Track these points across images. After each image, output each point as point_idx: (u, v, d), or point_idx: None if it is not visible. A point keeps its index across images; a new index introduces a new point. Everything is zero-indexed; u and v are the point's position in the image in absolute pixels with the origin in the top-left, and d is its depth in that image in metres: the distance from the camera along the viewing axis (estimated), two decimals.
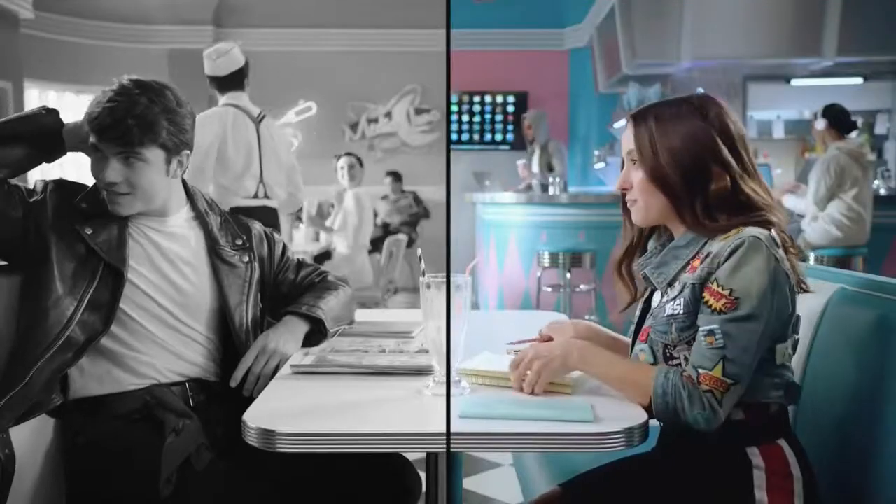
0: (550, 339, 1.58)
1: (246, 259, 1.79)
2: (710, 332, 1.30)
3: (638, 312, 1.56)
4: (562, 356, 1.37)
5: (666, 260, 1.45)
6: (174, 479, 1.44)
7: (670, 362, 1.39)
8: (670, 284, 1.43)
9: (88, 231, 1.62)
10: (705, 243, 1.40)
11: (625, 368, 1.38)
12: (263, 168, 3.70)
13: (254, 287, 1.79)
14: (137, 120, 1.59)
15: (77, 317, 1.56)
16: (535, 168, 6.61)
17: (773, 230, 1.37)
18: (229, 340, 1.73)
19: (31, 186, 1.69)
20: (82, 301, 1.58)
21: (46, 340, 1.54)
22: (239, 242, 1.80)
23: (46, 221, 1.62)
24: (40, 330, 1.54)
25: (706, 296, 1.33)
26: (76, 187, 1.71)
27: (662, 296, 1.45)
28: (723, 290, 1.31)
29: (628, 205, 1.50)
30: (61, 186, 1.70)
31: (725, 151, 1.40)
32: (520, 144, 8.94)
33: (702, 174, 1.40)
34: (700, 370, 1.29)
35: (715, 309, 1.31)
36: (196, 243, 1.75)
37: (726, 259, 1.33)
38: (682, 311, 1.37)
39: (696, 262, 1.39)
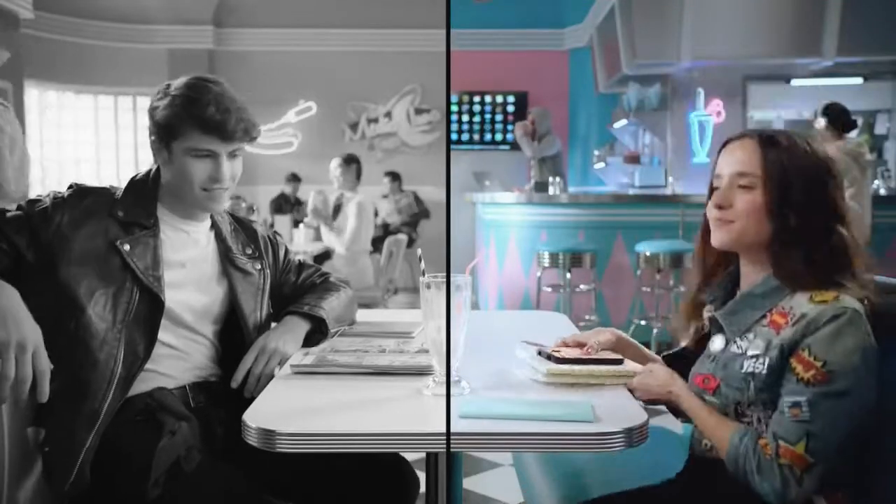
0: (580, 344, 1.52)
1: (258, 266, 1.79)
2: (796, 405, 1.24)
3: (688, 343, 1.51)
4: (665, 395, 1.40)
5: (740, 308, 1.38)
6: (162, 482, 1.43)
7: (742, 419, 1.34)
8: (742, 334, 1.37)
9: (126, 247, 1.56)
10: (785, 296, 1.33)
11: (709, 421, 1.35)
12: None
13: (266, 293, 1.80)
14: (241, 113, 1.63)
15: (122, 353, 1.52)
16: (535, 166, 6.62)
17: (865, 302, 1.29)
18: (232, 340, 1.74)
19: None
20: (122, 333, 1.53)
21: (101, 388, 1.50)
22: (249, 251, 1.80)
23: (66, 255, 1.51)
24: (98, 375, 1.50)
25: (794, 363, 1.26)
26: (102, 194, 1.63)
27: (729, 343, 1.38)
28: (815, 360, 1.24)
29: (715, 224, 1.41)
30: (82, 196, 1.59)
31: (844, 202, 1.35)
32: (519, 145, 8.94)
33: (825, 219, 1.33)
34: (781, 442, 1.24)
35: (803, 379, 1.24)
36: (213, 250, 1.74)
37: (823, 326, 1.25)
38: (764, 372, 1.30)
39: (780, 319, 1.31)
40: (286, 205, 8.35)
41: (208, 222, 1.75)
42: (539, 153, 6.28)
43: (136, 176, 1.71)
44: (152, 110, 1.65)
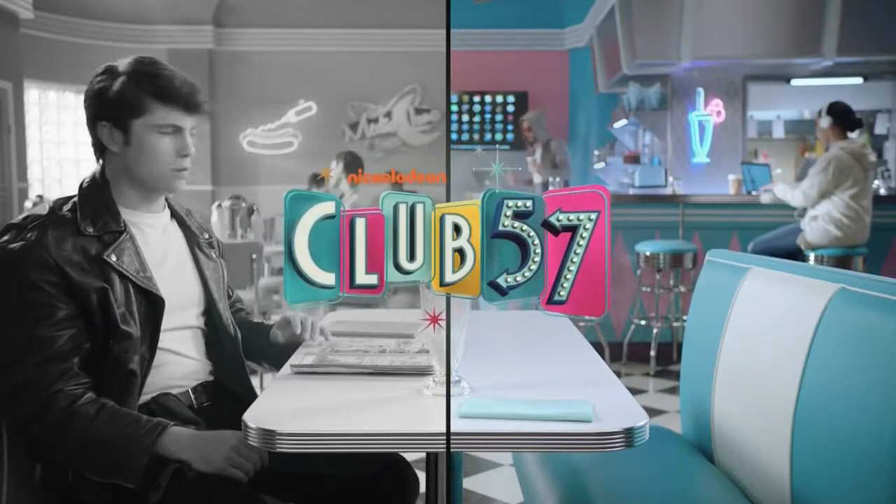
0: None
1: (216, 254, 1.77)
2: None
3: None
4: None
5: None
6: (164, 485, 1.42)
7: None
8: None
9: (114, 258, 1.50)
10: None
11: None
12: None
13: (226, 280, 1.79)
14: (197, 88, 1.60)
15: (140, 357, 1.52)
16: (537, 164, 6.62)
17: None
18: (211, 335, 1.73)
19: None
20: (138, 338, 1.52)
21: (133, 395, 1.51)
22: (206, 237, 1.77)
23: (81, 293, 1.46)
24: (131, 383, 1.50)
25: None
26: (57, 220, 1.51)
27: None
28: None
29: None
30: (45, 233, 1.47)
31: None
32: (519, 144, 8.95)
33: None
34: None
35: None
36: (181, 238, 1.71)
37: None
38: None
39: None
40: None
41: (168, 211, 1.71)
42: (561, 183, 6.20)
43: (82, 184, 1.61)
44: (99, 92, 1.56)
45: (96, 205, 1.55)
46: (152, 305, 1.55)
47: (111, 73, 1.57)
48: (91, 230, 1.51)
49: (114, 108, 1.55)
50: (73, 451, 1.43)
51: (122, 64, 1.58)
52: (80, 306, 1.46)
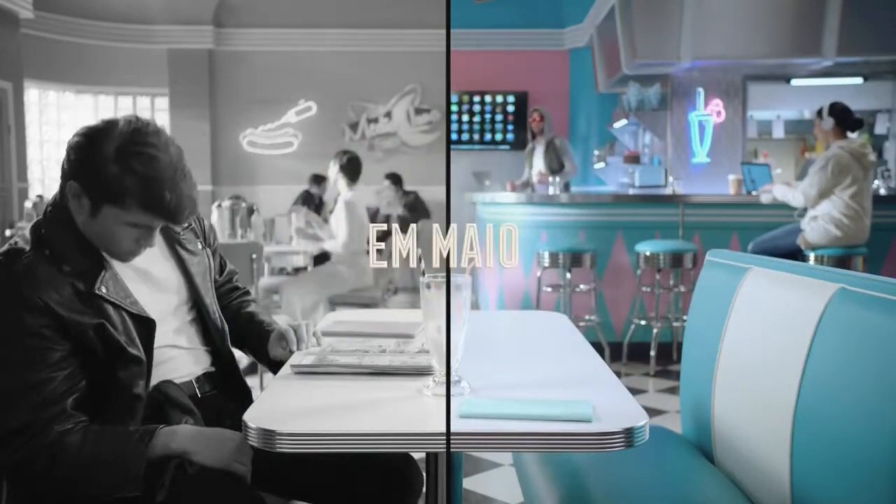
0: None
1: (200, 245, 1.75)
2: None
3: None
4: None
5: None
6: (167, 483, 1.42)
7: None
8: None
9: (104, 290, 1.47)
10: None
11: None
12: None
13: (213, 273, 1.78)
14: (192, 191, 1.51)
15: (142, 377, 1.51)
16: (542, 167, 6.62)
17: None
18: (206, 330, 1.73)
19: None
20: (138, 359, 1.50)
21: (138, 414, 1.50)
22: (186, 225, 1.73)
23: (79, 332, 1.43)
24: (136, 410, 1.50)
25: None
26: (36, 261, 1.44)
27: None
28: None
29: None
30: (33, 275, 1.42)
31: None
32: (519, 144, 8.96)
33: None
34: None
35: None
36: (160, 244, 1.66)
37: None
38: None
39: None
40: (311, 204, 8.21)
41: None
42: (560, 182, 6.21)
43: (48, 211, 1.52)
44: (89, 155, 1.44)
45: (67, 242, 1.49)
46: (144, 328, 1.54)
47: (113, 146, 1.43)
48: (68, 269, 1.45)
49: (91, 181, 1.44)
50: (69, 481, 1.42)
51: (120, 142, 1.44)
52: (75, 344, 1.44)
